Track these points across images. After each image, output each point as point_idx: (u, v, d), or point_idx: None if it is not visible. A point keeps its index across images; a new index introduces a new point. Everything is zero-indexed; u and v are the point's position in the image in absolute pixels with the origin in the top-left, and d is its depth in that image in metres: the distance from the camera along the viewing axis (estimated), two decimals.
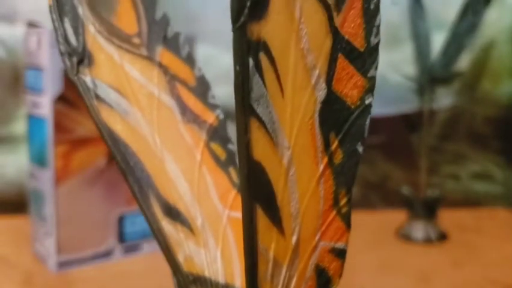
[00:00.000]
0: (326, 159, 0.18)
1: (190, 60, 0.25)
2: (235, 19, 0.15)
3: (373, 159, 0.66)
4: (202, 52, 0.57)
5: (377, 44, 0.18)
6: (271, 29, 0.16)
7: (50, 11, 0.22)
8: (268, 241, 0.18)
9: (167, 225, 0.21)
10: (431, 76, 0.56)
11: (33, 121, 0.46)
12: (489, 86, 0.66)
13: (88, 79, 0.22)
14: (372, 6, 0.17)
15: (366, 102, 0.18)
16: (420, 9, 0.56)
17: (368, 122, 0.19)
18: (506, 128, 0.67)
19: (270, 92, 0.16)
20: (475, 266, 0.48)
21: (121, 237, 0.48)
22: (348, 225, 0.19)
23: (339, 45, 0.17)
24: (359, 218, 0.61)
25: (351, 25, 0.17)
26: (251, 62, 0.16)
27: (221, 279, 0.21)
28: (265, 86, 0.16)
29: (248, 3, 0.15)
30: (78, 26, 0.22)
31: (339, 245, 0.19)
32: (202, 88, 0.25)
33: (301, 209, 0.18)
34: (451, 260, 0.50)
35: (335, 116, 0.18)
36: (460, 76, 0.60)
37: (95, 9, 0.23)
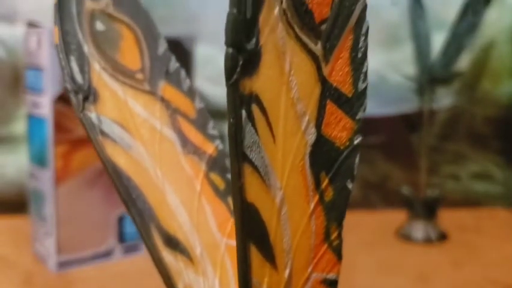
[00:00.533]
0: (317, 197, 0.19)
1: (191, 93, 0.26)
2: (228, 76, 0.16)
3: (373, 159, 0.66)
4: (202, 52, 0.58)
5: (365, 88, 0.19)
6: (262, 83, 0.17)
7: (57, 50, 0.23)
8: (262, 276, 0.18)
9: (167, 255, 0.22)
10: (431, 76, 0.56)
11: (34, 121, 0.46)
12: (489, 86, 0.66)
13: (93, 115, 0.23)
14: (359, 55, 0.19)
15: (355, 142, 0.19)
16: (420, 9, 0.56)
17: (357, 160, 0.19)
18: (506, 128, 0.67)
19: (262, 139, 0.17)
20: (475, 266, 0.48)
21: (121, 237, 0.48)
22: (339, 256, 0.20)
23: (328, 93, 0.18)
24: (359, 218, 0.62)
25: (339, 73, 0.19)
26: (244, 113, 0.17)
27: None
28: (257, 134, 0.17)
29: (240, 62, 0.16)
30: (84, 64, 0.23)
31: (331, 275, 0.20)
32: (202, 120, 0.26)
33: (293, 244, 0.19)
34: (450, 260, 0.50)
35: (324, 156, 0.19)
36: (460, 76, 0.60)
37: (100, 47, 0.24)
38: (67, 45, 0.23)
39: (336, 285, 0.20)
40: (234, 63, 0.16)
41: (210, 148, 0.25)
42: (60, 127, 0.44)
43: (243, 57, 0.16)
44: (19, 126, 0.59)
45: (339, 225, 0.20)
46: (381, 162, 0.66)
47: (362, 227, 0.58)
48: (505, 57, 0.66)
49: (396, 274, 0.46)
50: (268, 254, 0.18)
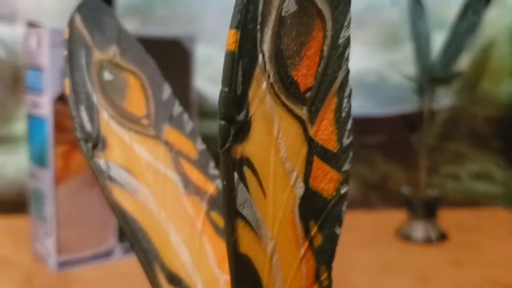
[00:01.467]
0: (306, 244, 0.20)
1: (193, 135, 0.28)
2: (222, 144, 0.18)
3: (373, 159, 0.66)
4: (202, 52, 0.58)
5: (350, 143, 0.20)
6: (253, 147, 0.18)
7: (68, 101, 0.24)
8: None
9: None
10: (431, 76, 0.56)
11: (34, 121, 0.46)
12: (489, 86, 0.66)
13: (101, 162, 0.25)
14: (343, 114, 0.20)
15: (342, 192, 0.21)
16: (420, 9, 0.56)
17: (344, 208, 0.21)
18: (506, 128, 0.67)
19: (254, 196, 0.19)
20: (475, 266, 0.48)
21: (121, 238, 0.48)
22: None
23: (314, 150, 0.20)
24: (359, 218, 0.62)
25: (324, 132, 0.20)
26: (236, 175, 0.18)
27: None
28: (248, 192, 0.19)
29: (232, 132, 0.18)
30: (93, 113, 0.25)
31: None
32: (203, 160, 0.27)
33: (285, 285, 0.20)
34: (451, 260, 0.50)
35: (313, 207, 0.20)
36: (460, 76, 0.60)
37: (108, 95, 0.26)
38: (77, 96, 0.25)
39: None
40: (226, 134, 0.18)
41: (210, 188, 0.27)
42: (60, 127, 0.44)
43: (234, 127, 0.18)
44: (19, 126, 0.59)
45: (329, 267, 0.21)
46: (381, 162, 0.66)
47: (362, 227, 0.58)
48: (505, 57, 0.66)
49: (396, 274, 0.46)
50: None
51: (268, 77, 0.19)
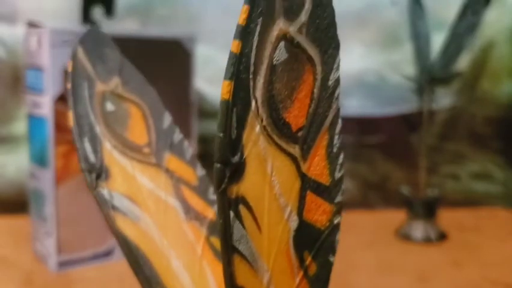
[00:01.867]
0: (301, 273, 0.21)
1: (193, 161, 0.28)
2: (217, 186, 0.19)
3: (373, 159, 0.66)
4: (202, 52, 0.58)
5: (341, 176, 0.21)
6: (247, 186, 0.19)
7: (72, 132, 0.25)
8: None
9: None
10: (431, 76, 0.56)
11: (34, 121, 0.46)
12: (488, 86, 0.66)
13: (105, 192, 0.25)
14: (335, 150, 0.21)
15: (335, 222, 0.21)
16: (420, 10, 0.56)
17: (337, 237, 0.21)
18: (505, 128, 0.67)
19: (249, 232, 0.20)
20: (475, 266, 0.48)
21: None
22: None
23: (307, 185, 0.21)
24: (358, 218, 0.62)
25: (316, 168, 0.21)
26: (232, 214, 0.19)
27: None
28: (244, 228, 0.20)
29: (228, 174, 0.19)
30: (96, 144, 0.26)
31: None
32: (203, 186, 0.28)
33: None
34: (450, 259, 0.50)
35: (307, 238, 0.21)
36: (460, 76, 0.60)
37: (111, 126, 0.26)
38: (80, 128, 0.25)
39: None
40: (221, 176, 0.19)
41: (210, 213, 0.28)
42: (60, 127, 0.44)
43: (229, 169, 0.19)
44: (19, 126, 0.59)
45: None
46: (381, 162, 0.66)
47: (362, 226, 0.58)
48: (505, 57, 0.66)
49: (396, 274, 0.46)
50: None
51: (261, 120, 0.19)
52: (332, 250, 0.22)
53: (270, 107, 0.20)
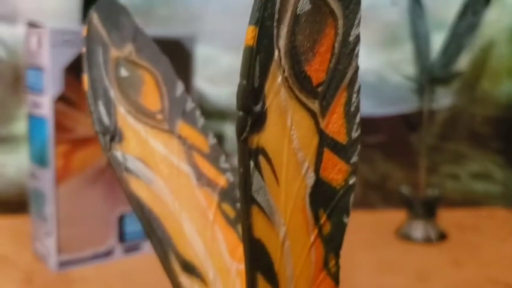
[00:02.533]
0: (316, 231, 0.22)
1: (204, 130, 0.29)
2: (239, 134, 0.19)
3: (373, 159, 0.66)
4: (202, 52, 0.58)
5: (358, 136, 0.21)
6: (268, 137, 0.20)
7: (87, 96, 0.26)
8: None
9: (184, 280, 0.25)
10: (431, 76, 0.56)
11: (34, 121, 0.46)
12: (488, 86, 0.67)
13: (118, 154, 0.26)
14: (352, 109, 0.21)
15: (350, 182, 0.22)
16: (420, 10, 0.56)
17: (352, 198, 0.22)
18: (505, 128, 0.67)
19: (268, 184, 0.20)
20: (475, 265, 0.48)
21: (121, 237, 0.48)
22: (336, 282, 0.23)
23: (325, 142, 0.21)
24: (359, 217, 0.62)
25: (334, 125, 0.21)
26: (252, 164, 0.19)
27: None
28: (263, 179, 0.20)
29: (249, 123, 0.19)
30: (110, 108, 0.26)
31: None
32: (215, 154, 0.29)
33: (295, 272, 0.22)
34: (450, 259, 0.50)
35: (323, 196, 0.21)
36: (460, 76, 0.60)
37: (125, 91, 0.27)
38: (95, 91, 0.26)
39: None
40: (243, 124, 0.19)
41: (221, 180, 0.28)
42: (60, 127, 0.44)
43: (251, 118, 0.19)
44: (20, 126, 0.59)
45: (337, 255, 0.22)
46: (381, 162, 0.66)
47: (362, 226, 0.58)
48: (505, 57, 0.66)
49: (396, 273, 0.47)
50: (273, 282, 0.21)
51: (283, 71, 0.20)
52: (346, 211, 0.22)
53: (292, 59, 0.20)
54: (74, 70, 0.44)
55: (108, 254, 0.47)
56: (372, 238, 0.56)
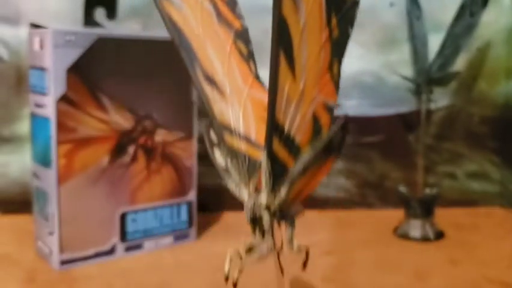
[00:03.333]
0: (327, 32, 0.24)
1: None
2: None
3: (371, 159, 0.66)
4: None
5: None
6: None
7: None
8: (285, 80, 0.24)
9: (206, 87, 0.29)
10: (428, 77, 0.56)
11: (37, 121, 0.46)
12: (485, 86, 0.67)
13: None
14: None
15: None
16: (418, 11, 0.56)
17: (356, 13, 0.24)
18: (502, 128, 0.67)
19: None
20: (472, 264, 0.49)
21: (124, 236, 0.48)
22: (337, 88, 0.25)
23: None
24: (357, 216, 0.62)
25: None
26: None
27: (242, 131, 0.28)
28: None
29: None
30: None
31: (330, 103, 0.25)
32: (232, 3, 0.31)
33: (308, 63, 0.24)
34: (448, 258, 0.50)
35: (336, 0, 0.24)
36: (457, 76, 0.61)
37: None
38: None
39: (333, 112, 0.25)
40: None
41: (237, 23, 0.31)
42: (63, 127, 0.44)
43: None
44: (23, 126, 0.60)
45: (340, 63, 0.25)
46: (379, 161, 0.67)
47: (360, 225, 0.59)
48: (502, 57, 0.66)
49: (394, 272, 0.47)
50: (291, 63, 0.23)
51: None
52: (351, 24, 0.24)
53: None
54: (76, 70, 0.44)
55: (110, 252, 0.48)
56: (370, 237, 0.56)
